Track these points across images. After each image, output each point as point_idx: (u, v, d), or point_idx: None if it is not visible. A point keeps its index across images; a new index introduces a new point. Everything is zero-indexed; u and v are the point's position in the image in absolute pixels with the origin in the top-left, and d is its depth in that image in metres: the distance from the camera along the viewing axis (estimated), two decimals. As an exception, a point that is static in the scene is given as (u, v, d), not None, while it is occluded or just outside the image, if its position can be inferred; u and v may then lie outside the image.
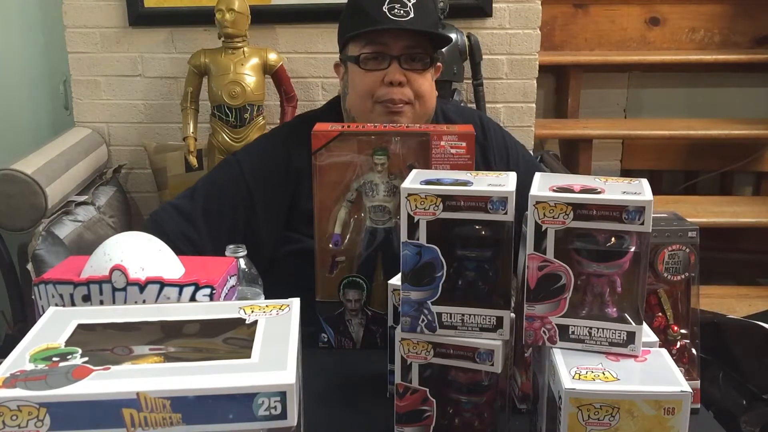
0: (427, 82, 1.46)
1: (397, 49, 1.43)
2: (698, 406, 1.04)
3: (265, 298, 1.07)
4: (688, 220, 1.04)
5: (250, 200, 1.47)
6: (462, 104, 2.34)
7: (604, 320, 0.86)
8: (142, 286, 0.89)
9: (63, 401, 0.63)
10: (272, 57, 2.33)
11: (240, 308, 0.81)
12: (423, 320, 0.92)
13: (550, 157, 2.61)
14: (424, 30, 1.43)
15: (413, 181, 0.92)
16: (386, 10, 1.41)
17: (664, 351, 0.87)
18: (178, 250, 0.97)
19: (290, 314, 0.79)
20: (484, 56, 2.45)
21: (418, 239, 0.90)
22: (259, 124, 2.30)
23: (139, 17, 2.46)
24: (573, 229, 0.84)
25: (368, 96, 1.44)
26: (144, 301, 0.89)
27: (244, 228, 1.45)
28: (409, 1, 1.42)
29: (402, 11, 1.41)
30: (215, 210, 1.47)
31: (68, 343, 0.73)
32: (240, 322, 0.78)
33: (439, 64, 1.52)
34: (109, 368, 0.67)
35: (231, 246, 1.11)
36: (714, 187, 3.26)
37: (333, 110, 1.55)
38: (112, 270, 0.89)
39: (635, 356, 0.85)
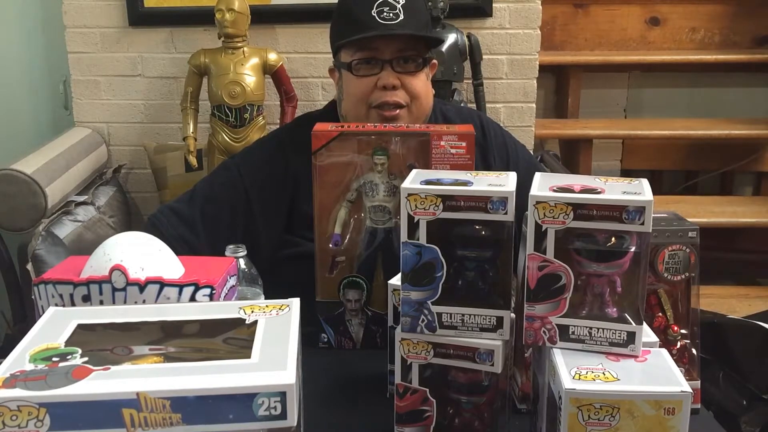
0: (421, 83, 1.45)
1: (388, 53, 1.42)
2: (698, 406, 1.04)
3: (265, 299, 1.07)
4: (688, 220, 1.04)
5: (249, 204, 1.47)
6: (462, 104, 2.34)
7: (604, 320, 0.86)
8: (142, 286, 0.89)
9: (63, 401, 0.63)
10: (272, 57, 2.33)
11: (240, 308, 0.81)
12: (423, 320, 0.92)
13: (550, 157, 2.62)
14: (413, 33, 1.43)
15: (413, 181, 0.92)
16: (375, 14, 1.40)
17: (664, 351, 0.87)
18: (176, 254, 0.97)
19: (290, 314, 0.79)
20: (484, 56, 2.46)
21: (418, 239, 0.90)
22: (259, 124, 2.31)
23: (139, 17, 2.46)
24: (573, 229, 0.84)
25: (363, 101, 1.44)
26: (144, 301, 0.89)
27: (243, 232, 1.44)
28: (398, 3, 1.42)
29: (391, 14, 1.41)
30: (214, 214, 1.47)
31: (68, 343, 0.73)
32: (240, 322, 0.78)
33: (434, 61, 1.52)
34: (109, 368, 0.67)
35: (231, 246, 1.11)
36: (714, 187, 3.26)
37: (332, 112, 1.55)
38: (112, 270, 0.89)
39: (635, 356, 0.85)
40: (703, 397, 1.06)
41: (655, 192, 0.85)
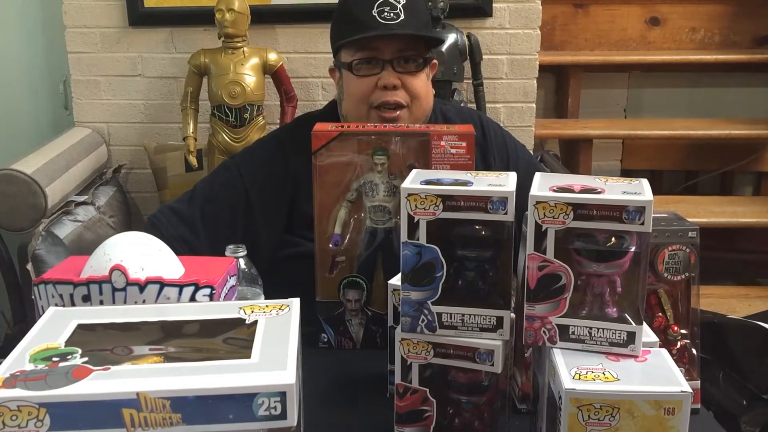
0: (421, 83, 1.46)
1: (389, 53, 1.43)
2: (698, 406, 1.04)
3: (265, 299, 1.07)
4: (688, 220, 1.04)
5: (249, 204, 1.47)
6: (462, 104, 2.34)
7: (604, 320, 0.86)
8: (142, 286, 0.89)
9: (63, 401, 0.63)
10: (272, 57, 2.33)
11: (240, 308, 0.81)
12: (423, 320, 0.92)
13: (550, 157, 2.62)
14: (414, 33, 1.43)
15: (413, 181, 0.92)
16: (376, 14, 1.41)
17: (664, 351, 0.87)
18: (176, 254, 0.97)
19: (290, 314, 0.79)
20: (484, 56, 2.46)
21: (418, 239, 0.90)
22: (259, 124, 2.31)
23: (139, 17, 2.46)
24: (573, 229, 0.84)
25: (363, 101, 1.44)
26: (144, 301, 0.89)
27: (243, 232, 1.45)
28: (399, 3, 1.42)
29: (392, 14, 1.41)
30: (214, 214, 1.47)
31: (68, 343, 0.73)
32: (240, 322, 0.78)
33: (435, 61, 1.52)
34: (109, 368, 0.67)
35: (231, 246, 1.11)
36: (714, 187, 3.26)
37: (332, 112, 1.55)
38: (112, 270, 0.89)
39: (635, 356, 0.85)
40: (703, 397, 1.06)
41: (655, 192, 0.85)
